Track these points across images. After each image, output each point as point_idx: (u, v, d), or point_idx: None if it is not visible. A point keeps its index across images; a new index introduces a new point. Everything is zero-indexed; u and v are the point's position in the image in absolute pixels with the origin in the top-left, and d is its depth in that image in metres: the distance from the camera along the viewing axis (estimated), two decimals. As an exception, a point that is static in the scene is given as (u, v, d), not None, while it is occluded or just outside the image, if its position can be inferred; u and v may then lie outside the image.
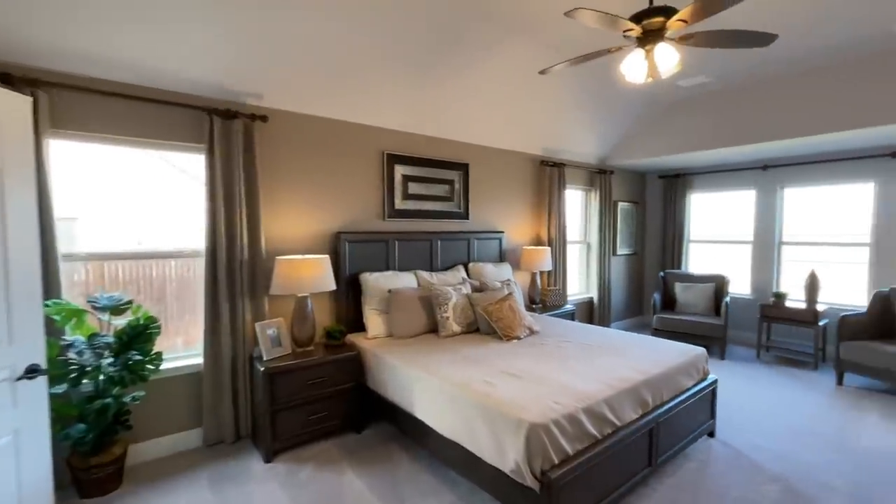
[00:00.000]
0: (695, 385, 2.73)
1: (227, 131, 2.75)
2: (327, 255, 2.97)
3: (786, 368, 4.33)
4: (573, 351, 2.81)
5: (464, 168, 4.12)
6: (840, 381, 3.86)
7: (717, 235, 5.67)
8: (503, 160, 4.51)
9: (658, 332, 4.95)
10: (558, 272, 4.89)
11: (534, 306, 4.47)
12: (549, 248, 4.48)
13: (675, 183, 5.87)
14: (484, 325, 3.26)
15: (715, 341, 4.67)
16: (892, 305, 3.92)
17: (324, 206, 3.29)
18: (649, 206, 6.39)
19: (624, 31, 2.16)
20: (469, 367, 2.48)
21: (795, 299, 4.65)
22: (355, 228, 3.47)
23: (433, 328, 3.29)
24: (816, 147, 4.30)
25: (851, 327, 3.83)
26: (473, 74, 3.46)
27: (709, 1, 1.84)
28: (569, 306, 4.60)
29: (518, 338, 3.10)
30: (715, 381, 2.86)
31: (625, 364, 2.53)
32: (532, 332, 3.24)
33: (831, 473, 2.48)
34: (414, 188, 3.80)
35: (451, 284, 3.53)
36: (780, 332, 4.94)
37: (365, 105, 3.32)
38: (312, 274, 2.81)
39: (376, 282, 3.30)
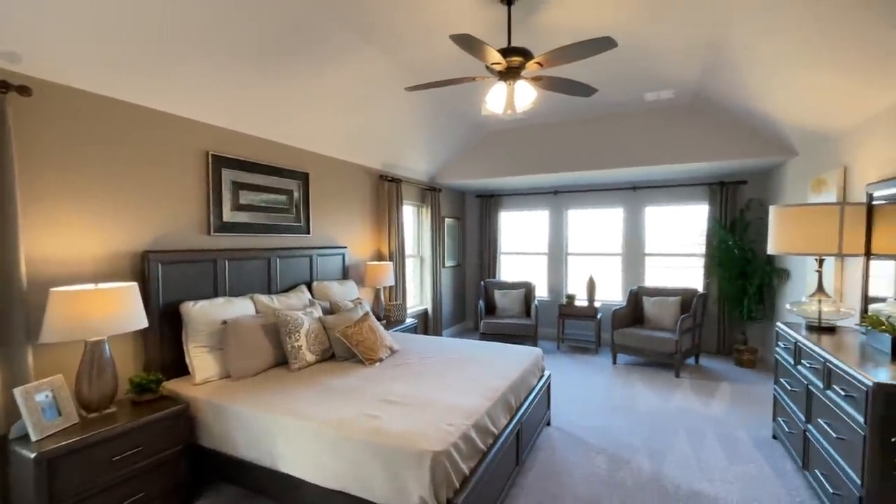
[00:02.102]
0: (538, 382, 3.10)
1: (-47, 101, 1.81)
2: (135, 283, 2.24)
3: (578, 355, 5.37)
4: (439, 367, 2.84)
5: (304, 177, 3.75)
6: (615, 361, 4.99)
7: (523, 248, 6.67)
8: (344, 172, 4.29)
9: (485, 336, 5.48)
10: (399, 286, 4.92)
11: (380, 323, 4.36)
12: (391, 263, 4.46)
13: (489, 202, 6.66)
14: (341, 350, 2.99)
15: (528, 338, 5.44)
16: (640, 300, 5.31)
17: (124, 217, 2.49)
18: (468, 222, 7.06)
19: (490, 64, 2.32)
20: (342, 401, 2.23)
21: (581, 299, 5.83)
22: (170, 246, 2.74)
23: (281, 361, 2.86)
24: (588, 179, 5.52)
25: (619, 318, 5.02)
26: (319, 78, 3.19)
27: (560, 52, 2.15)
28: (411, 319, 4.66)
29: (381, 360, 2.96)
30: (549, 376, 3.31)
31: (490, 373, 2.69)
32: (393, 351, 3.14)
33: (631, 436, 3.16)
34: (247, 197, 3.25)
35: (298, 308, 3.14)
36: (572, 325, 6.11)
37: (183, 93, 2.67)
38: (112, 309, 2.07)
39: (203, 312, 2.67)
